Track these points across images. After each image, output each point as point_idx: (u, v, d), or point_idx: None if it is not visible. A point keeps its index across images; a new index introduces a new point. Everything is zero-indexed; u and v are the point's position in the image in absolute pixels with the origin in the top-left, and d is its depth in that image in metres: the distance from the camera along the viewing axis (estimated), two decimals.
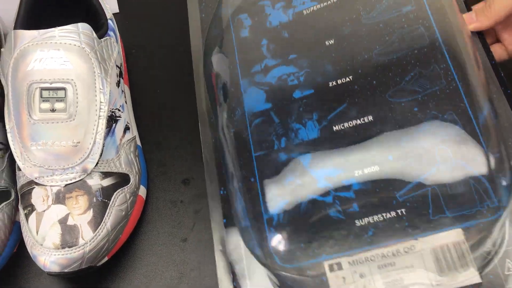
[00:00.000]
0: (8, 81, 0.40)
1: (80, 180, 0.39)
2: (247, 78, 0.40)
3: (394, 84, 0.39)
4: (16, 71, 0.39)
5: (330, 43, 0.41)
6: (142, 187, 0.44)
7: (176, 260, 0.42)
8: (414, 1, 0.41)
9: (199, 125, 0.43)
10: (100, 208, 0.39)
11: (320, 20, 0.42)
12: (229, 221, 0.39)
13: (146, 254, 0.43)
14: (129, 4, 0.58)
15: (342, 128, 0.38)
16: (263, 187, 0.37)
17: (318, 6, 0.42)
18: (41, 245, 0.38)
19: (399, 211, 0.36)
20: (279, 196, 0.37)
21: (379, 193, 0.36)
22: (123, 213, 0.40)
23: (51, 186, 0.39)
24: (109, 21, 0.45)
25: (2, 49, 0.42)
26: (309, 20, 0.42)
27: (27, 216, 0.39)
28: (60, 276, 0.38)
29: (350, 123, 0.38)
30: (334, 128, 0.38)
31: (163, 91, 0.51)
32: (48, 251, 0.37)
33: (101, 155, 0.40)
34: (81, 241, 0.38)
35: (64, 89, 0.39)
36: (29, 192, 0.39)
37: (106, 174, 0.40)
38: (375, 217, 0.36)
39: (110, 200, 0.40)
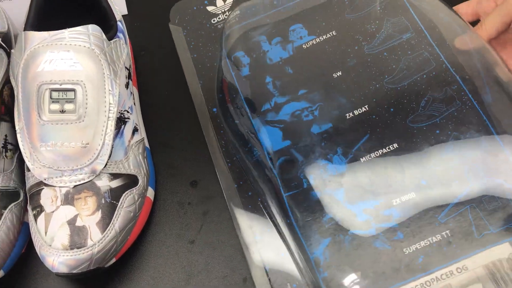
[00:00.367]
0: (18, 82, 0.40)
1: (89, 181, 0.39)
2: (258, 117, 0.40)
3: (411, 110, 0.39)
4: (26, 72, 0.40)
5: (338, 75, 0.41)
6: (150, 188, 0.44)
7: (183, 262, 0.42)
8: (412, 27, 0.42)
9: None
10: (109, 209, 0.39)
11: (322, 53, 0.42)
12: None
13: (154, 256, 0.43)
14: (137, 6, 0.58)
15: (370, 158, 0.37)
16: (301, 228, 0.37)
17: (317, 40, 0.42)
18: (50, 245, 0.38)
19: (444, 233, 0.36)
20: (320, 234, 0.36)
21: (421, 218, 0.36)
22: (131, 214, 0.41)
23: (60, 187, 0.39)
24: (119, 23, 0.45)
25: (12, 50, 0.42)
26: (311, 54, 0.42)
27: (35, 216, 0.39)
28: (68, 277, 0.38)
29: (377, 153, 0.38)
30: (362, 160, 0.37)
31: (171, 93, 0.51)
32: (56, 252, 0.37)
33: (110, 156, 0.40)
34: (89, 242, 0.38)
35: (73, 90, 0.40)
36: (38, 193, 0.40)
37: (114, 176, 0.41)
38: (422, 243, 0.36)
39: (118, 202, 0.40)
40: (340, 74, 0.41)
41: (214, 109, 0.40)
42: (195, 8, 0.51)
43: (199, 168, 0.46)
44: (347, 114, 0.39)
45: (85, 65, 0.40)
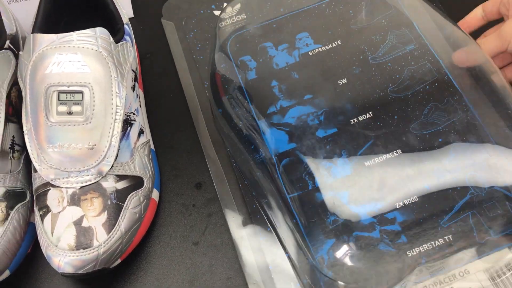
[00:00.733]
0: (26, 83, 0.40)
1: (95, 182, 0.40)
2: (264, 119, 0.40)
3: (415, 117, 0.40)
4: (34, 74, 0.40)
5: (343, 82, 0.41)
6: (155, 190, 0.44)
7: (187, 264, 0.43)
8: (415, 40, 0.43)
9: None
10: (115, 210, 0.39)
11: (328, 61, 0.42)
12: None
13: (158, 257, 0.43)
14: (143, 10, 0.58)
15: (374, 163, 0.38)
16: (306, 228, 0.37)
17: (323, 48, 0.43)
18: (56, 246, 0.38)
19: (446, 238, 0.37)
20: (325, 235, 0.37)
21: (424, 222, 0.37)
22: (137, 215, 0.41)
23: (66, 188, 0.39)
24: (125, 26, 0.46)
25: (20, 52, 0.42)
26: (317, 61, 0.42)
27: (42, 217, 0.40)
28: (74, 277, 0.39)
29: (381, 158, 0.38)
30: (366, 164, 0.38)
31: (177, 95, 0.51)
32: (62, 252, 0.37)
33: (116, 158, 0.41)
34: (95, 243, 0.38)
35: (81, 92, 0.40)
36: (45, 193, 0.40)
37: (120, 177, 0.41)
38: (425, 246, 0.36)
39: (124, 203, 0.40)
40: (345, 81, 0.41)
41: (220, 110, 0.41)
42: (202, 11, 0.52)
43: (204, 170, 0.47)
44: (352, 120, 0.40)
45: (92, 67, 0.40)
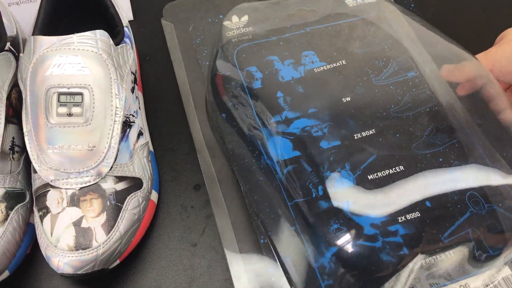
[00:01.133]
0: (26, 85, 0.41)
1: (95, 183, 0.40)
2: (269, 127, 0.40)
3: (416, 137, 0.40)
4: (34, 76, 0.40)
5: (347, 100, 0.42)
6: (154, 192, 0.45)
7: (186, 265, 0.43)
8: (416, 67, 0.44)
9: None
10: (114, 211, 0.40)
11: (332, 79, 0.43)
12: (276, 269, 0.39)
13: (157, 258, 0.43)
14: (142, 12, 0.59)
15: (377, 177, 0.38)
16: (306, 235, 0.37)
17: (328, 66, 0.44)
18: (55, 246, 0.38)
19: (447, 253, 0.37)
20: (327, 243, 0.37)
21: (425, 237, 0.37)
22: (136, 217, 0.41)
23: (66, 189, 0.40)
24: (125, 29, 0.46)
25: (21, 54, 0.43)
26: (322, 78, 0.43)
27: (41, 218, 0.40)
28: (73, 277, 0.39)
29: (383, 173, 0.39)
30: (369, 177, 0.38)
31: (175, 98, 0.52)
32: (62, 252, 0.38)
33: (115, 159, 0.41)
34: (94, 244, 0.38)
35: (81, 94, 0.40)
36: (44, 194, 0.40)
37: (120, 178, 0.41)
38: (427, 260, 0.37)
39: (123, 204, 0.40)
40: (349, 99, 0.42)
41: (223, 115, 0.41)
42: (210, 20, 0.53)
43: (202, 172, 0.47)
44: (355, 135, 0.40)
45: (92, 69, 0.41)
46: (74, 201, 0.39)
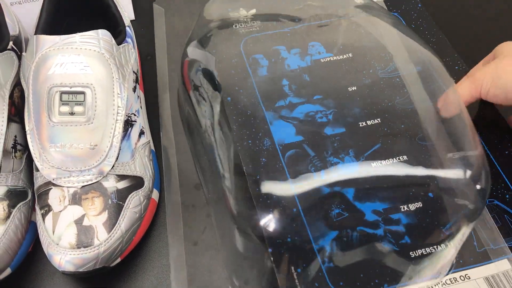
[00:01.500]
0: (29, 84, 0.41)
1: (96, 182, 0.40)
2: (272, 111, 0.41)
3: (421, 129, 0.40)
4: (37, 75, 0.41)
5: (353, 89, 0.42)
6: (155, 190, 0.45)
7: (187, 263, 0.43)
8: (422, 63, 0.44)
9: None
10: (115, 210, 0.40)
11: (338, 69, 0.43)
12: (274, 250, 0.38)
13: (158, 256, 0.44)
14: (144, 12, 0.59)
15: (380, 165, 0.39)
16: (308, 218, 0.37)
17: (335, 58, 0.44)
18: (57, 244, 0.38)
19: (448, 244, 0.37)
20: (328, 227, 0.37)
21: (427, 227, 0.37)
22: (137, 215, 0.41)
23: (68, 187, 0.40)
24: (127, 28, 0.47)
25: (23, 53, 0.43)
26: (328, 68, 0.43)
27: (43, 216, 0.40)
28: (74, 275, 0.39)
29: (387, 161, 0.39)
30: (372, 165, 0.39)
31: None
32: (63, 250, 0.38)
33: (117, 158, 0.41)
34: (96, 242, 0.38)
35: (83, 93, 0.41)
36: (46, 192, 0.40)
37: (121, 177, 0.41)
38: (428, 249, 0.37)
39: (124, 203, 0.41)
40: (355, 89, 0.42)
41: (229, 98, 0.41)
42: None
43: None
44: (360, 123, 0.40)
45: (95, 68, 0.41)
46: (76, 199, 0.40)
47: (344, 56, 0.44)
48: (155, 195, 0.45)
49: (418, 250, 0.37)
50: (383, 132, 0.40)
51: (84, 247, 0.38)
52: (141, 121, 0.46)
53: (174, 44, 0.55)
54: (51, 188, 0.40)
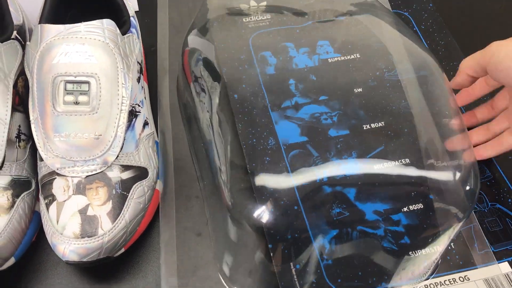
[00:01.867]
0: (33, 73, 0.41)
1: (101, 172, 0.40)
2: (278, 111, 0.41)
3: (423, 133, 0.41)
4: (41, 64, 0.41)
5: (359, 91, 0.42)
6: (159, 181, 0.45)
7: (190, 254, 0.43)
8: (428, 69, 0.44)
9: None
10: (119, 200, 0.40)
11: (345, 70, 0.43)
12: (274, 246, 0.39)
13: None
14: (148, 3, 0.59)
15: (383, 167, 0.39)
16: (309, 216, 0.38)
17: (342, 58, 0.44)
18: (61, 234, 0.38)
19: (448, 246, 0.38)
20: (328, 225, 0.37)
21: (427, 228, 0.38)
22: (141, 205, 0.41)
23: (72, 177, 0.40)
24: (132, 19, 0.46)
25: (28, 43, 0.43)
26: (335, 68, 0.43)
27: (47, 205, 0.40)
28: (78, 265, 0.39)
29: (390, 163, 0.39)
30: (375, 167, 0.39)
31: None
32: (68, 240, 0.38)
33: (121, 148, 0.41)
34: (100, 232, 0.38)
35: (88, 82, 0.40)
36: (50, 182, 0.40)
37: (125, 167, 0.41)
38: (427, 250, 0.38)
39: (129, 193, 0.41)
40: (361, 90, 0.42)
41: (236, 96, 0.41)
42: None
43: None
44: (364, 126, 0.40)
45: (99, 58, 0.41)
46: (80, 189, 0.40)
47: (352, 57, 0.44)
48: (159, 186, 0.45)
49: (417, 251, 0.37)
50: (386, 135, 0.40)
51: (88, 236, 0.38)
52: (145, 112, 0.46)
53: (177, 33, 0.55)
54: (55, 178, 0.40)
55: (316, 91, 0.42)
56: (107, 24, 0.42)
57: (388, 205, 0.38)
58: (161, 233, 0.43)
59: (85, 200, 0.39)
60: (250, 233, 0.38)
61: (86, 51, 0.40)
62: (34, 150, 0.43)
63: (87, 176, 0.40)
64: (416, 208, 0.38)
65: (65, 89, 0.40)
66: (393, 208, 0.38)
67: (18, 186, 0.41)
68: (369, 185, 0.38)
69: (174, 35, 0.55)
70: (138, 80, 0.45)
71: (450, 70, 0.56)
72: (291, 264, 0.37)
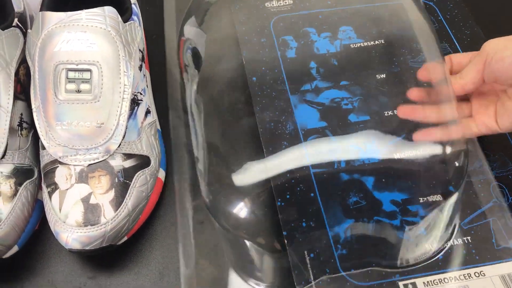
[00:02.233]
0: (35, 61, 0.41)
1: (103, 160, 0.40)
2: (297, 95, 0.40)
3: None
4: (43, 52, 0.40)
5: (382, 77, 0.41)
6: (161, 170, 0.45)
7: (193, 242, 0.43)
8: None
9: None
10: (122, 188, 0.40)
11: (368, 55, 0.43)
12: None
13: (164, 235, 0.44)
14: None
15: (403, 156, 0.38)
16: (325, 204, 0.37)
17: (365, 44, 0.43)
18: (64, 222, 0.38)
19: (465, 238, 0.38)
20: (344, 214, 0.37)
21: (445, 221, 0.37)
22: (144, 194, 0.41)
23: (74, 165, 0.40)
24: (133, 6, 0.46)
25: (29, 30, 0.42)
26: (357, 54, 0.43)
27: (50, 194, 0.40)
28: (81, 253, 0.39)
29: (410, 153, 0.38)
30: (395, 155, 0.38)
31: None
32: (70, 228, 0.38)
33: (123, 136, 0.41)
34: (103, 220, 0.38)
35: (89, 70, 0.40)
36: (53, 170, 0.40)
37: (128, 156, 0.41)
38: (443, 242, 0.37)
39: (131, 181, 0.41)
40: (384, 76, 0.42)
41: (254, 78, 0.40)
42: None
43: None
44: (386, 112, 0.40)
45: (101, 46, 0.40)
46: (83, 177, 0.40)
47: (376, 42, 0.43)
48: (162, 174, 0.45)
49: (434, 244, 0.37)
50: (408, 123, 0.40)
51: (91, 225, 0.38)
52: (147, 100, 0.45)
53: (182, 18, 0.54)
54: (58, 166, 0.40)
55: (337, 76, 0.41)
56: (108, 12, 0.41)
57: (406, 195, 0.37)
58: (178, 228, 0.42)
59: (88, 189, 0.39)
60: (226, 228, 0.37)
61: (87, 38, 0.40)
62: (36, 138, 0.43)
63: (89, 164, 0.40)
64: (435, 199, 0.38)
65: (67, 77, 0.40)
66: (411, 199, 0.37)
67: (20, 175, 0.41)
68: (388, 174, 0.38)
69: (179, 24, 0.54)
70: (140, 68, 0.45)
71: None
72: (305, 252, 0.37)
